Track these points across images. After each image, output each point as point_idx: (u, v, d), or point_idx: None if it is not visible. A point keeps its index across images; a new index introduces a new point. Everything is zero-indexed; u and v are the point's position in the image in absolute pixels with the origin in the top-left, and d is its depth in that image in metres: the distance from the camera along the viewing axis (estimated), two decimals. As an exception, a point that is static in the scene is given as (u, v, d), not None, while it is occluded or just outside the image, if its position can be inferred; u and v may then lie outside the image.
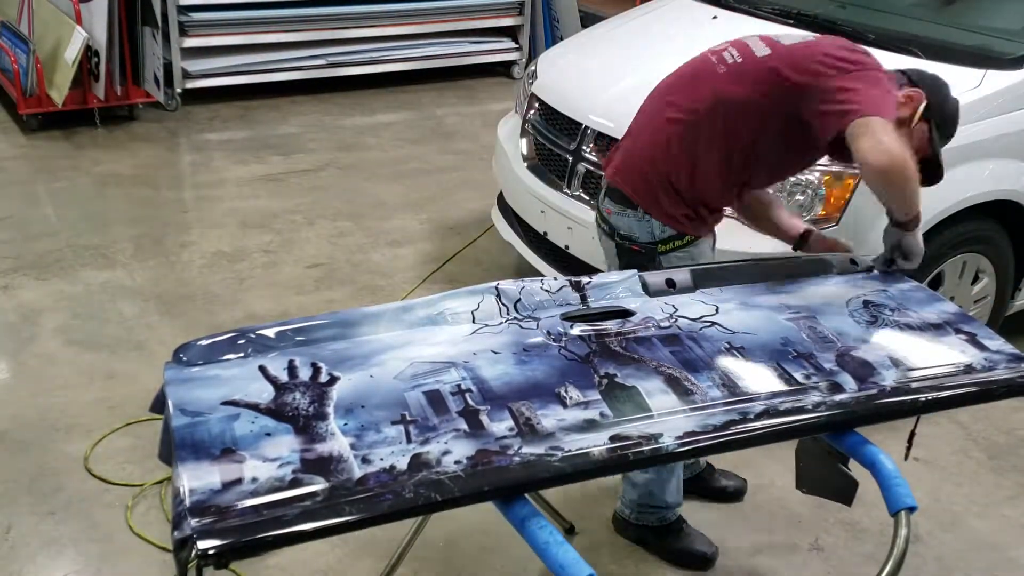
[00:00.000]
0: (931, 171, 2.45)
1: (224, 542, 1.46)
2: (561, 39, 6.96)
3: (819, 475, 2.27)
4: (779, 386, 1.93)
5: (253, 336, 1.94)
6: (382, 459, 1.64)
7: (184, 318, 3.91)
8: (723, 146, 2.45)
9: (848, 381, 1.96)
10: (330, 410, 1.75)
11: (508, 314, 2.08)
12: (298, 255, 4.51)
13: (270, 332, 1.96)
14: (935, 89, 2.47)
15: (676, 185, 2.47)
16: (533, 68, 4.24)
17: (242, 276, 4.29)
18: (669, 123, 2.49)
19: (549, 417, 1.77)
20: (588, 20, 6.90)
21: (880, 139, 2.18)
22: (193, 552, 1.45)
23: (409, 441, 1.69)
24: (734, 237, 3.09)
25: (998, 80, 3.34)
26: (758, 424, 1.83)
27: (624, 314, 2.12)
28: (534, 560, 1.68)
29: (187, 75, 6.35)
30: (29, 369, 3.55)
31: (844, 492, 2.20)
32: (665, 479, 2.68)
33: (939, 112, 2.44)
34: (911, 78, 2.47)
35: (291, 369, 1.86)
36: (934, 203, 3.22)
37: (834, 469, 2.18)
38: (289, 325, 1.99)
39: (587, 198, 3.54)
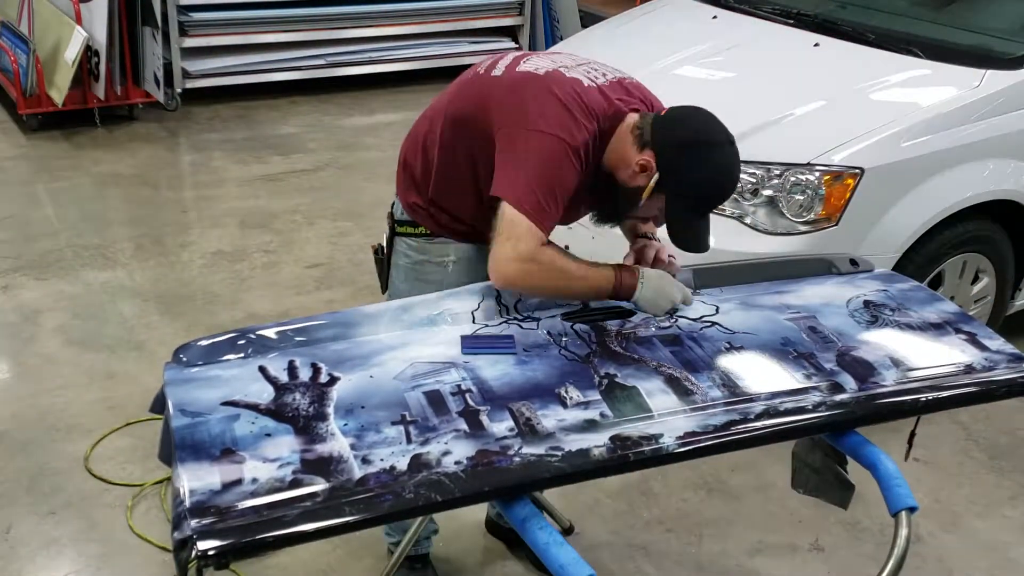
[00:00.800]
0: (685, 238, 2.12)
1: (224, 543, 1.46)
2: (561, 39, 6.96)
3: (815, 477, 2.27)
4: (779, 386, 1.93)
5: (253, 336, 1.94)
6: (382, 459, 1.64)
7: (184, 318, 3.91)
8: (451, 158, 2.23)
9: (848, 381, 1.96)
10: (330, 410, 1.75)
11: (508, 314, 2.08)
12: (298, 255, 4.51)
13: (270, 332, 1.96)
14: (674, 158, 2.03)
15: (414, 174, 2.33)
16: (533, 68, 4.23)
17: (242, 276, 4.29)
18: (428, 119, 2.29)
19: (549, 417, 1.77)
20: (588, 20, 6.90)
21: (514, 249, 1.96)
22: (193, 553, 1.45)
23: (409, 441, 1.68)
24: (734, 237, 3.10)
25: (998, 80, 3.34)
26: (759, 424, 1.83)
27: (624, 314, 2.12)
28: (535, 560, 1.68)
29: (187, 75, 6.35)
30: (29, 369, 3.55)
31: (840, 495, 2.20)
32: None
33: (677, 186, 2.05)
34: (654, 134, 2.04)
35: (291, 369, 1.86)
36: (934, 203, 3.23)
37: (831, 471, 2.18)
38: (289, 325, 1.99)
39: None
